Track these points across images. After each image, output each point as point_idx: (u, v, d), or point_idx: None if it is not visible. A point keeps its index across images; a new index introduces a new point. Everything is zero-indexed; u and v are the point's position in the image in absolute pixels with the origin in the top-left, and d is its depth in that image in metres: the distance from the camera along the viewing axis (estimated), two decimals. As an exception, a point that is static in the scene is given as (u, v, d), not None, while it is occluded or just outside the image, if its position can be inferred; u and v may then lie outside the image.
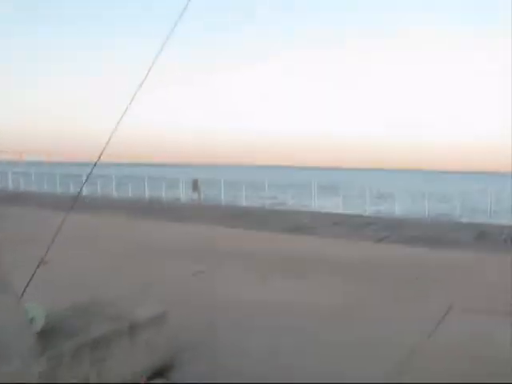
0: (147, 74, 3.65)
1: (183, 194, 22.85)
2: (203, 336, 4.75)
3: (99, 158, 3.88)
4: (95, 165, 3.95)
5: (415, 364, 4.32)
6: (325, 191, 24.47)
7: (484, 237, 12.33)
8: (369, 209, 19.69)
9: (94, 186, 25.21)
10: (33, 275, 3.47)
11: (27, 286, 3.40)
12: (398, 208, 19.50)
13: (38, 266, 3.52)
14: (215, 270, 7.82)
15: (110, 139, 3.74)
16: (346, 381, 3.89)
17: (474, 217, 18.70)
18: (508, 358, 4.39)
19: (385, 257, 9.37)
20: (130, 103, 3.70)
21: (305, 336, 4.93)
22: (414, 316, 5.66)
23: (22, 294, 3.22)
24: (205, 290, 6.61)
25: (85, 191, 24.82)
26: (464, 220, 17.32)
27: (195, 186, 22.08)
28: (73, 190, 25.43)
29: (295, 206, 20.58)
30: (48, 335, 3.17)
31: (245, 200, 21.71)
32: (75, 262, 8.11)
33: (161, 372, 3.72)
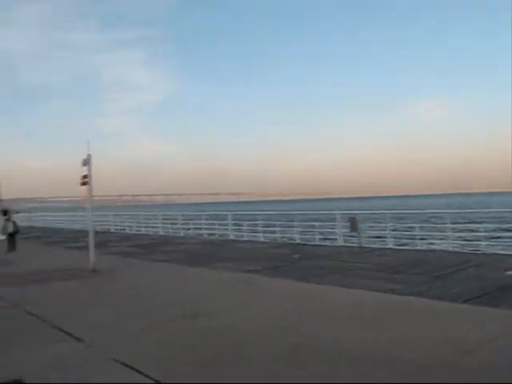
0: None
1: (339, 235, 18.29)
2: None
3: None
4: None
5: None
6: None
7: None
8: None
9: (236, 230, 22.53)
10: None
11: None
12: None
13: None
14: None
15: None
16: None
17: None
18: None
19: None
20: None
21: None
22: None
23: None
24: None
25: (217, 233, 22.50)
26: None
27: (353, 225, 17.63)
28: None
29: (494, 249, 14.30)
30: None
31: (418, 242, 16.10)
32: None
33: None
